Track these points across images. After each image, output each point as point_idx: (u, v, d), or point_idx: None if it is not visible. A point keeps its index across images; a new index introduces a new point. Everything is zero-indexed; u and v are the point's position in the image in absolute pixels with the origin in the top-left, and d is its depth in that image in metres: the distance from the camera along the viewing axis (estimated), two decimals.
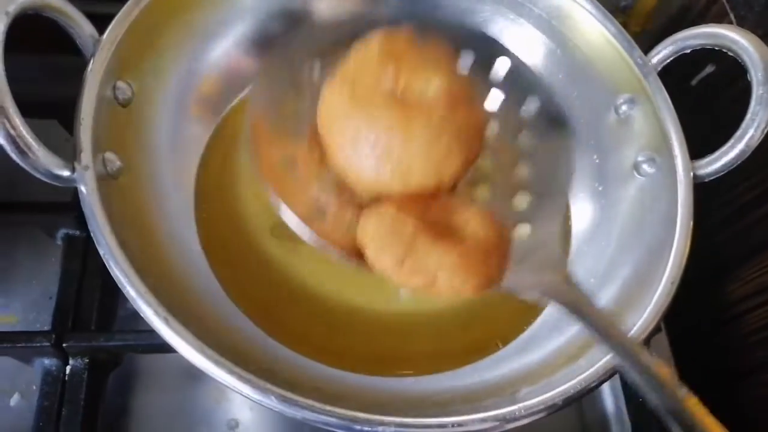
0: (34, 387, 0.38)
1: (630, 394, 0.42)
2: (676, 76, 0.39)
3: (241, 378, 0.26)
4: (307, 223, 0.30)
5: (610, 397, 0.44)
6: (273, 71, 0.35)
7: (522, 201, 0.35)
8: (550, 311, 0.37)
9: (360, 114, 0.30)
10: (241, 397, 0.39)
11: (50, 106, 0.44)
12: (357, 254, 0.30)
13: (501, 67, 0.37)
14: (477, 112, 0.32)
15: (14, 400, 0.39)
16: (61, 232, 0.42)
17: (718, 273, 0.50)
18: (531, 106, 0.36)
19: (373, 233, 0.29)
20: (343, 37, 0.33)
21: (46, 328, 0.38)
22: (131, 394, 0.40)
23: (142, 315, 0.27)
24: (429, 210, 0.31)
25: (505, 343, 0.36)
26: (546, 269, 0.30)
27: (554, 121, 0.38)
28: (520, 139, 0.36)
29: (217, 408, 0.40)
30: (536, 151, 0.35)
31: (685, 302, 0.46)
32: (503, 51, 0.40)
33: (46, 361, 0.37)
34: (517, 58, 0.38)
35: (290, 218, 0.30)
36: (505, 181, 0.35)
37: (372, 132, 0.29)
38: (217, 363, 0.26)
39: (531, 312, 0.37)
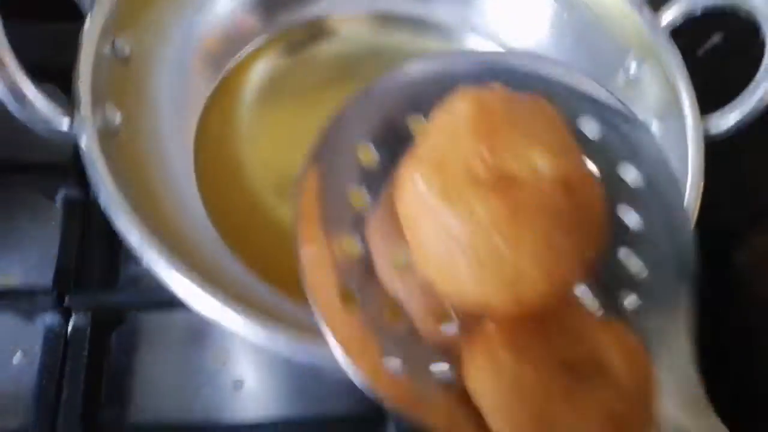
0: (37, 347, 0.38)
1: None
2: (681, 47, 0.39)
3: (248, 321, 0.25)
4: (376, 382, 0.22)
5: None
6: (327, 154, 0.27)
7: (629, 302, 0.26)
8: None
9: (453, 210, 0.22)
10: (246, 357, 0.40)
11: (50, 73, 0.43)
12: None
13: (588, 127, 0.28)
14: (597, 195, 0.24)
15: (17, 358, 0.39)
16: (61, 194, 0.41)
17: (726, 241, 0.50)
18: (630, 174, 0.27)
19: (493, 396, 0.22)
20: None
21: (49, 285, 0.38)
22: (135, 353, 0.40)
23: (145, 262, 0.27)
24: (550, 339, 0.23)
25: None
26: (688, 407, 0.23)
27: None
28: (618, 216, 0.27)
29: (221, 369, 0.40)
30: (642, 228, 0.27)
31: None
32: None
33: (48, 319, 0.37)
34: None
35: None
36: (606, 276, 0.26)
37: (470, 233, 0.22)
38: (225, 307, 0.26)
39: None
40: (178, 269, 0.26)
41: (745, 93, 0.34)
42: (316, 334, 0.25)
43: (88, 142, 0.28)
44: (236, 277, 0.33)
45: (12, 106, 0.28)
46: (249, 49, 0.40)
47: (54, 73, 0.34)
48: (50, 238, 0.42)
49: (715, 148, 0.35)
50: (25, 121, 0.29)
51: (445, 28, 0.45)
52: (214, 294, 0.26)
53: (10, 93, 0.27)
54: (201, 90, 0.38)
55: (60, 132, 0.29)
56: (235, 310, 0.26)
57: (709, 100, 0.37)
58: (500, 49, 0.44)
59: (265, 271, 0.34)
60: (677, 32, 0.38)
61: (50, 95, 0.42)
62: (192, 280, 0.26)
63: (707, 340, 0.45)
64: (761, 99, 0.33)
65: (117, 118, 0.32)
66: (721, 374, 0.46)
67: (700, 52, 0.53)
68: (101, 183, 0.27)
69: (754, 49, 0.35)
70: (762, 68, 0.33)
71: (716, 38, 0.52)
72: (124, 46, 0.34)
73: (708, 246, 0.31)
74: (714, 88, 0.48)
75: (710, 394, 0.23)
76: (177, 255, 0.27)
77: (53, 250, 0.40)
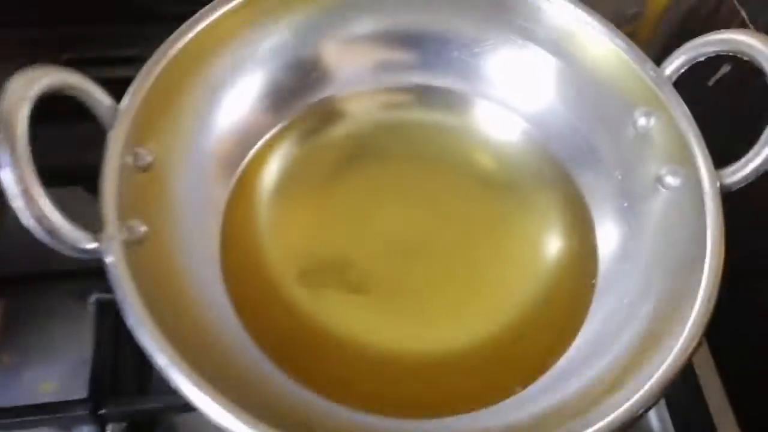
0: None
1: (676, 409, 0.41)
2: (691, 79, 0.39)
3: None
4: None
5: (654, 415, 0.43)
6: None
7: None
8: (578, 345, 0.36)
9: None
10: None
11: (73, 173, 0.45)
12: None
13: None
14: None
15: None
16: (93, 298, 0.42)
17: (757, 275, 0.49)
18: None
19: None
20: None
21: (84, 394, 0.39)
22: None
23: (172, 384, 0.27)
24: None
25: (525, 385, 0.35)
26: None
27: None
28: None
29: None
30: None
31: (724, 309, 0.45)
32: None
33: (85, 429, 0.37)
34: None
35: None
36: None
37: None
38: (253, 427, 0.26)
39: (555, 351, 0.36)
40: (205, 392, 0.26)
41: (759, 145, 0.34)
42: None
43: (115, 263, 0.29)
44: (264, 379, 0.33)
45: (39, 235, 0.28)
46: (261, 143, 0.41)
47: (78, 174, 0.35)
48: (86, 339, 0.43)
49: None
50: (53, 246, 0.29)
51: (453, 95, 0.46)
52: (244, 419, 0.26)
53: (38, 225, 0.28)
54: (220, 190, 0.39)
55: (87, 251, 0.30)
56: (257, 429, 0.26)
57: (722, 131, 0.37)
58: (508, 111, 0.45)
59: (291, 363, 0.34)
60: None
61: (74, 196, 0.44)
62: (220, 404, 0.26)
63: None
64: None
65: (142, 228, 0.33)
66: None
67: (711, 82, 0.53)
68: (128, 305, 0.28)
69: (763, 78, 0.35)
70: None
71: (725, 68, 0.52)
72: (146, 155, 0.34)
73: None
74: (725, 118, 0.48)
75: None
76: (206, 371, 0.27)
77: (87, 354, 0.41)
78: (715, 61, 0.44)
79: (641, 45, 0.39)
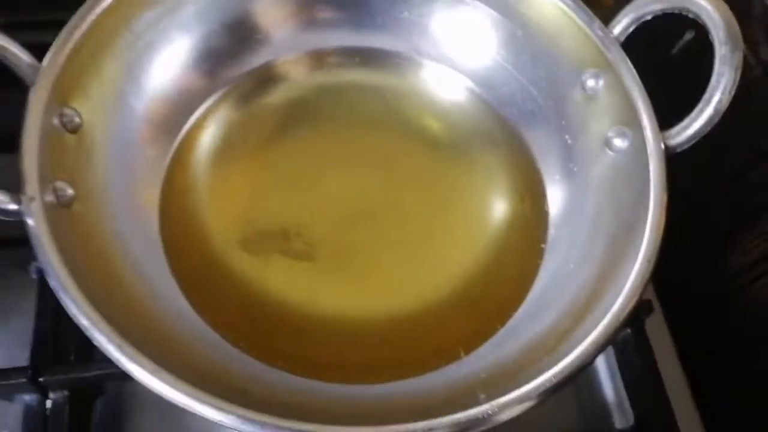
0: (20, 424, 0.37)
1: (630, 380, 0.41)
2: (656, 47, 0.38)
3: (200, 401, 0.25)
4: None
5: (609, 385, 0.43)
6: None
7: None
8: (525, 308, 0.36)
9: None
10: None
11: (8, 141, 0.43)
12: None
13: None
14: None
15: None
16: (34, 266, 0.41)
17: (715, 244, 0.49)
18: None
19: None
20: None
21: (24, 361, 0.38)
22: (119, 421, 0.40)
23: (96, 344, 0.26)
24: None
25: (468, 351, 0.35)
26: None
27: None
28: None
29: (208, 428, 0.40)
30: None
31: (681, 277, 0.45)
32: None
33: (26, 397, 0.37)
34: None
35: None
36: None
37: None
38: (173, 386, 0.25)
39: (501, 315, 0.36)
40: (127, 354, 0.26)
41: (701, 105, 0.33)
42: (279, 405, 0.25)
43: (35, 224, 0.28)
44: (203, 346, 0.32)
45: None
46: (200, 110, 0.40)
47: (5, 141, 0.34)
48: (27, 311, 0.42)
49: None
50: None
51: (395, 57, 0.45)
52: (164, 378, 0.25)
53: None
54: (157, 154, 0.38)
55: (10, 212, 0.29)
56: (184, 392, 0.25)
57: (687, 99, 0.37)
58: (456, 73, 0.44)
59: (233, 330, 0.34)
60: (651, 32, 0.37)
61: (10, 164, 0.43)
62: (143, 366, 0.26)
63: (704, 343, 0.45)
64: (716, 109, 0.33)
65: (69, 191, 0.32)
66: (718, 376, 0.46)
67: (674, 50, 0.53)
68: (49, 267, 0.27)
69: None
70: (713, 79, 0.33)
71: (689, 35, 0.51)
72: (74, 115, 0.33)
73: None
74: (689, 85, 0.48)
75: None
76: (136, 334, 0.27)
77: (31, 323, 0.40)
78: (678, 28, 0.43)
79: (604, 9, 0.39)
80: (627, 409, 0.41)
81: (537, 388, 0.28)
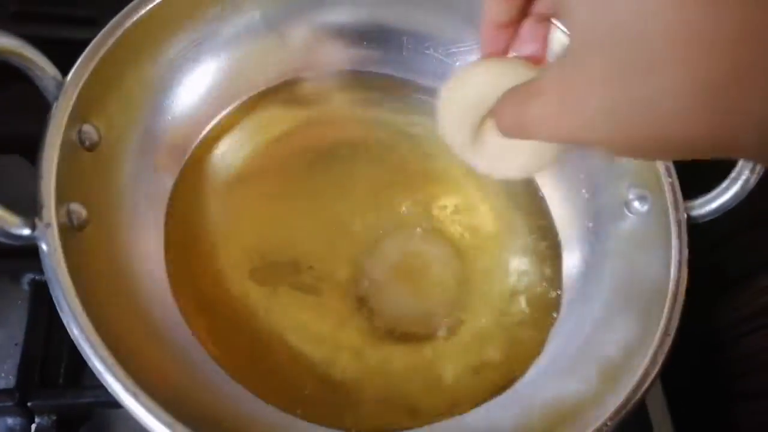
0: None
1: None
2: None
3: None
4: None
5: None
6: None
7: None
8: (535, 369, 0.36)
9: None
10: None
11: (13, 141, 0.41)
12: None
13: None
14: None
15: None
16: (27, 278, 0.39)
17: (710, 297, 0.49)
18: None
19: None
20: None
21: (11, 378, 0.36)
22: None
23: (110, 391, 0.25)
24: None
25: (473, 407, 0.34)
26: None
27: None
28: None
29: None
30: None
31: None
32: None
33: (10, 420, 0.35)
34: None
35: None
36: None
37: None
38: None
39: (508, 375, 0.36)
40: (142, 403, 0.25)
41: (728, 181, 0.33)
42: None
43: (50, 253, 0.27)
44: (208, 382, 0.31)
45: None
46: (208, 129, 0.39)
47: (17, 141, 0.32)
48: (17, 319, 0.40)
49: None
50: None
51: (420, 92, 0.44)
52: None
53: None
54: (167, 176, 0.37)
55: (22, 237, 0.28)
56: None
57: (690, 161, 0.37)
58: None
59: (238, 367, 0.33)
60: None
61: (12, 165, 0.41)
62: (152, 413, 0.24)
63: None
64: (743, 188, 0.33)
65: (83, 213, 0.30)
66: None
67: None
68: (63, 301, 0.26)
69: None
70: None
71: None
72: (92, 133, 0.32)
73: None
74: None
75: None
76: (144, 374, 0.26)
77: (20, 333, 0.38)
78: None
79: None
80: None
81: None
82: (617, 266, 0.37)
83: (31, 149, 0.29)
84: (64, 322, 0.26)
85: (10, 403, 0.34)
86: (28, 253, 0.38)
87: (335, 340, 0.35)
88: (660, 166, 0.36)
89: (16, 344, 0.38)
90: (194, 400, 0.28)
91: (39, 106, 0.31)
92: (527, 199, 0.42)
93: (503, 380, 0.35)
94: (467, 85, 0.26)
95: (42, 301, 0.39)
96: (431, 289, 0.38)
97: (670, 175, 0.35)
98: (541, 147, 0.26)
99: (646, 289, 0.34)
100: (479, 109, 0.26)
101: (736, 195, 0.33)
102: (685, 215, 0.34)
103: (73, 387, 0.36)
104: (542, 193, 0.42)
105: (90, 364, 0.25)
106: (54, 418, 0.35)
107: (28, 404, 0.34)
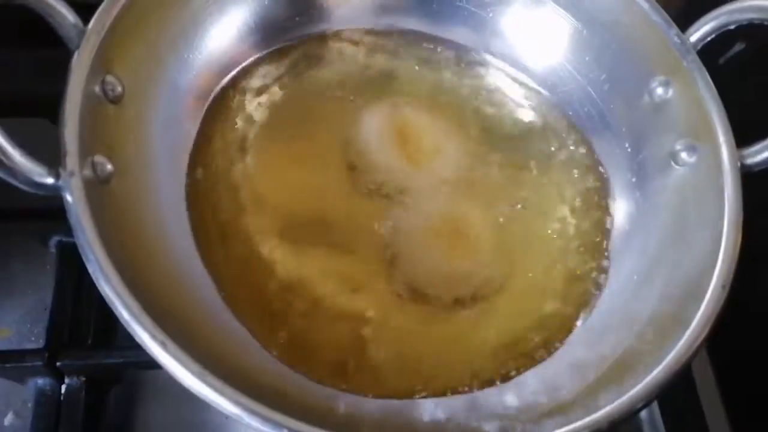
0: (30, 405, 0.35)
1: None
2: (700, 55, 0.36)
3: (248, 410, 0.23)
4: None
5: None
6: None
7: None
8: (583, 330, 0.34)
9: None
10: None
11: (39, 104, 0.41)
12: None
13: None
14: None
15: (8, 419, 0.36)
16: (54, 240, 0.39)
17: (754, 259, 0.47)
18: None
19: None
20: None
21: (41, 342, 0.36)
22: (134, 410, 0.38)
23: (136, 339, 0.24)
24: None
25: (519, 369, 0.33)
26: None
27: None
28: None
29: (226, 423, 0.38)
30: None
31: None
32: None
33: (40, 381, 0.34)
34: None
35: None
36: None
37: None
38: (222, 393, 0.23)
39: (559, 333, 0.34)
40: (171, 352, 0.24)
41: None
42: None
43: (74, 202, 0.26)
44: (235, 340, 0.30)
45: None
46: (233, 73, 0.37)
47: (43, 104, 0.31)
48: (45, 283, 0.40)
49: None
50: (6, 178, 0.26)
51: (458, 48, 0.42)
52: (210, 383, 0.23)
53: None
54: (191, 127, 0.36)
55: (46, 186, 0.27)
56: (233, 400, 0.23)
57: (733, 113, 0.35)
58: (518, 72, 0.42)
59: (266, 330, 0.32)
60: None
61: (39, 128, 0.40)
62: (187, 367, 0.23)
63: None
64: None
65: (108, 166, 0.29)
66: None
67: (722, 60, 0.51)
68: (89, 250, 0.25)
69: None
70: None
71: (738, 46, 0.49)
72: (116, 84, 0.31)
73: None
74: (738, 100, 0.46)
75: None
76: (171, 325, 0.25)
77: (48, 296, 0.38)
78: (727, 37, 0.41)
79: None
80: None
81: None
82: (663, 223, 0.35)
83: (57, 112, 0.29)
84: (90, 271, 0.25)
85: (39, 363, 0.33)
86: (54, 215, 0.38)
87: (364, 300, 0.34)
88: (712, 112, 0.34)
89: (45, 308, 0.38)
90: (221, 352, 0.27)
91: (63, 68, 0.30)
92: (572, 152, 0.40)
93: (555, 337, 0.34)
94: None
95: (71, 264, 0.38)
96: (470, 250, 0.37)
97: (722, 122, 0.33)
98: None
99: (698, 243, 0.32)
100: None
101: None
102: (739, 163, 0.32)
103: (103, 348, 0.36)
104: (583, 150, 0.40)
105: (116, 313, 0.24)
106: (84, 379, 0.34)
107: (57, 364, 0.34)
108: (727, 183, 0.32)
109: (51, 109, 0.30)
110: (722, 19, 0.34)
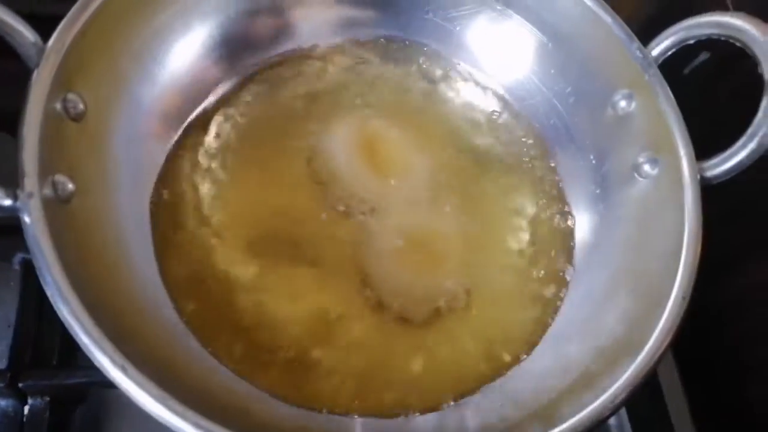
0: None
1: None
2: (667, 67, 0.37)
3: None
4: None
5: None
6: None
7: None
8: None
9: None
10: None
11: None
12: None
13: None
14: None
15: None
16: (18, 257, 0.38)
17: (719, 267, 0.48)
18: None
19: None
20: None
21: (4, 361, 0.35)
22: (99, 429, 0.37)
23: (96, 364, 0.24)
24: None
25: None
26: None
27: None
28: None
29: None
30: None
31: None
32: None
33: (2, 402, 0.34)
34: None
35: None
36: None
37: None
38: (183, 417, 0.23)
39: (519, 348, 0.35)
40: (131, 377, 0.23)
41: (745, 138, 0.32)
42: None
43: (32, 223, 0.26)
44: (195, 359, 0.30)
45: None
46: (209, 100, 0.37)
47: (3, 118, 0.31)
48: (9, 299, 0.39)
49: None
50: None
51: (426, 61, 0.43)
52: (170, 407, 0.23)
53: None
54: (158, 148, 0.35)
55: (3, 208, 0.26)
56: (193, 423, 0.23)
57: (696, 123, 0.35)
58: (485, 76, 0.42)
59: (225, 344, 0.31)
60: None
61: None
62: (147, 391, 0.23)
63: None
64: (760, 144, 0.31)
65: (69, 185, 0.29)
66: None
67: (687, 70, 0.51)
68: (47, 274, 0.25)
69: (741, 68, 0.33)
70: (759, 113, 0.31)
71: (703, 56, 0.50)
72: (78, 102, 0.30)
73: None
74: (702, 110, 0.47)
75: None
76: (132, 348, 0.24)
77: (12, 313, 0.37)
78: (692, 47, 0.42)
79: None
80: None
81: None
82: (628, 232, 0.35)
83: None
84: (48, 294, 0.25)
85: (1, 385, 0.32)
86: (18, 232, 0.37)
87: (331, 313, 0.34)
88: (672, 125, 0.34)
89: (8, 326, 0.38)
90: (184, 375, 0.27)
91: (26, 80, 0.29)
92: (536, 164, 0.40)
93: (521, 349, 0.34)
94: None
95: (34, 282, 0.38)
96: (436, 262, 0.37)
97: (682, 135, 0.34)
98: None
99: (659, 253, 0.32)
100: None
101: (752, 152, 0.32)
102: (698, 176, 0.33)
103: (66, 367, 0.35)
104: (552, 162, 0.40)
105: (76, 338, 0.24)
106: (47, 399, 0.34)
107: (20, 385, 0.33)
108: (687, 195, 0.32)
109: (12, 123, 0.29)
110: (681, 35, 0.35)
